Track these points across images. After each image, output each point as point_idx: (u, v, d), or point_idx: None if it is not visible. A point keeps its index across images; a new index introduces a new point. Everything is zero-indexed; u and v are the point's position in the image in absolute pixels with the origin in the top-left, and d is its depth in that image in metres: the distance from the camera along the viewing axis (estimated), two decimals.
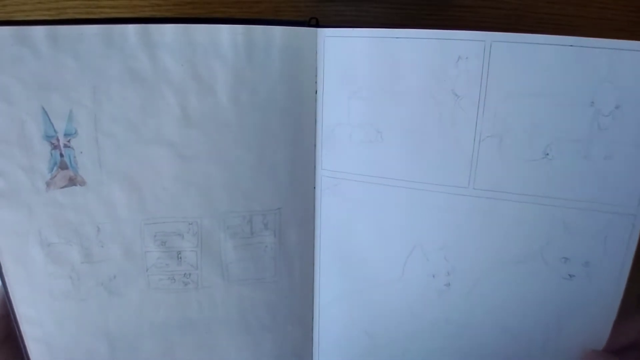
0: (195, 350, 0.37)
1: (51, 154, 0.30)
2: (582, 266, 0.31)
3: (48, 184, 0.30)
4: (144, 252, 0.33)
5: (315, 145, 0.34)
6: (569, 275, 0.31)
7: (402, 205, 0.33)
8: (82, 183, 0.31)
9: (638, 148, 0.28)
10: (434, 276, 0.34)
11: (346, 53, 0.32)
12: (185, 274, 0.35)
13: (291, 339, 0.39)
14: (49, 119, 0.29)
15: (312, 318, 0.38)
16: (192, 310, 0.36)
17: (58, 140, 0.30)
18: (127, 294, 0.34)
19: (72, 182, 0.31)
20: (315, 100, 0.33)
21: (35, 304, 0.32)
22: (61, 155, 0.30)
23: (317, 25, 0.31)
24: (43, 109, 0.29)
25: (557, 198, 0.30)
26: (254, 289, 0.36)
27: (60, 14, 0.27)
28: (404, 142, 0.32)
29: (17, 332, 0.32)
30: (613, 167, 0.29)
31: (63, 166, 0.30)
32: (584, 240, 0.30)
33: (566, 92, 0.28)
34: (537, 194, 0.30)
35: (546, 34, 0.27)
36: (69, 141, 0.30)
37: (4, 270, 0.31)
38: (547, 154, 0.29)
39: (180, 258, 0.34)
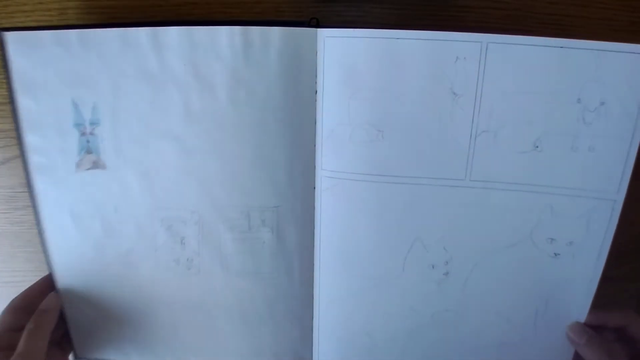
0: (197, 331, 0.39)
1: (80, 140, 0.35)
2: (567, 245, 0.33)
3: (78, 165, 0.35)
4: (154, 234, 0.37)
5: (315, 146, 0.34)
6: (555, 253, 0.34)
7: (403, 201, 0.34)
8: (104, 167, 0.35)
9: (619, 140, 0.31)
10: (433, 267, 0.35)
11: (346, 53, 0.31)
12: (188, 258, 0.37)
13: (290, 337, 0.39)
14: (79, 110, 0.34)
15: (312, 318, 0.38)
16: (194, 293, 0.38)
17: (85, 128, 0.34)
18: (140, 269, 0.38)
19: (95, 165, 0.35)
20: (315, 100, 0.33)
21: (69, 268, 0.38)
22: (87, 141, 0.35)
23: (318, 25, 0.31)
24: (74, 100, 0.34)
25: (545, 186, 0.33)
26: (253, 282, 0.38)
27: (62, 14, 0.31)
28: (404, 140, 0.32)
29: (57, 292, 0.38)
30: (596, 158, 0.32)
31: (89, 151, 0.35)
32: (568, 222, 0.33)
33: (555, 89, 0.30)
34: (528, 183, 0.33)
35: (546, 34, 0.29)
36: (93, 130, 0.34)
37: (44, 237, 0.37)
38: (537, 147, 0.32)
39: (184, 243, 0.37)
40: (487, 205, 0.33)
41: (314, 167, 0.35)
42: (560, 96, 0.30)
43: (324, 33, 0.31)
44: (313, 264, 0.37)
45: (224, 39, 0.31)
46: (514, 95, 0.31)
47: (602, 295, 0.41)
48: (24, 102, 0.34)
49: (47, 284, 0.37)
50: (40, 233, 0.37)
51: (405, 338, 0.37)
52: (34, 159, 0.35)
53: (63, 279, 0.38)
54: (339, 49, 0.31)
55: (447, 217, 0.34)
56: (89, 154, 0.35)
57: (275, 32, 0.31)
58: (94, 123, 0.34)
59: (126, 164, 0.35)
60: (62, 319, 0.38)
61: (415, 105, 0.31)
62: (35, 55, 0.33)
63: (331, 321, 0.38)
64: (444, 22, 0.33)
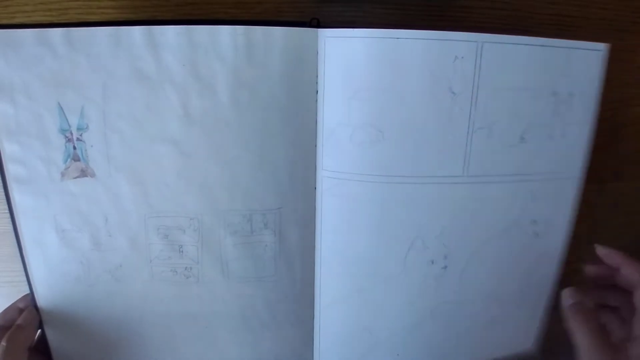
0: (195, 343, 0.38)
1: (65, 147, 0.32)
2: (545, 225, 0.37)
3: (62, 174, 0.33)
4: (147, 244, 0.35)
5: (315, 146, 0.34)
6: (536, 234, 0.37)
7: (403, 200, 0.34)
8: (92, 175, 0.33)
9: (583, 126, 0.35)
10: (432, 262, 0.36)
11: (347, 53, 0.32)
12: (186, 267, 0.36)
13: (291, 338, 0.39)
14: (64, 114, 0.32)
15: (313, 318, 0.38)
16: (192, 303, 0.37)
17: (71, 134, 0.32)
18: (132, 283, 0.36)
19: (83, 173, 0.33)
20: (316, 100, 0.33)
21: (52, 286, 0.35)
22: (74, 148, 0.32)
23: (318, 25, 0.31)
24: (59, 104, 0.31)
25: (528, 174, 0.35)
26: (254, 287, 0.37)
27: (62, 15, 0.30)
28: (404, 140, 0.33)
29: (36, 310, 0.35)
30: (566, 143, 0.35)
31: (76, 158, 0.32)
32: (545, 204, 0.36)
33: (537, 84, 0.33)
34: (515, 173, 0.35)
35: (547, 34, 0.30)
36: (81, 135, 0.32)
37: (24, 253, 0.34)
38: (523, 138, 0.34)
39: (182, 252, 0.35)
40: (481, 198, 0.35)
41: (315, 167, 0.35)
42: (541, 90, 0.33)
43: (324, 33, 0.31)
44: (314, 265, 0.37)
45: (225, 38, 0.31)
46: (505, 92, 0.33)
47: None
48: (0, 107, 0.31)
49: (29, 301, 0.35)
50: (20, 250, 0.34)
51: (405, 332, 0.38)
52: (12, 169, 0.32)
53: (45, 300, 0.35)
54: (340, 49, 0.31)
55: (445, 213, 0.35)
56: (76, 162, 0.33)
57: (277, 32, 0.31)
58: (81, 128, 0.32)
59: (118, 170, 0.33)
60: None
61: (415, 104, 0.32)
62: (14, 55, 0.30)
63: (332, 320, 0.38)
64: (445, 23, 0.34)
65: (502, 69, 0.32)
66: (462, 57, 0.31)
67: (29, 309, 0.35)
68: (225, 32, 0.31)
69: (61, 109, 0.31)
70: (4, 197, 0.32)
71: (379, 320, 0.38)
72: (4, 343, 0.31)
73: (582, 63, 0.33)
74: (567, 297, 0.32)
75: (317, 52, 0.32)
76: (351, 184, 0.34)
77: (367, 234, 0.35)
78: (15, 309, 0.34)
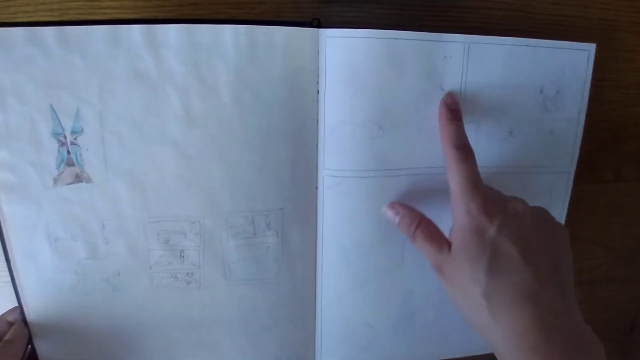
0: (196, 349, 0.37)
1: (59, 151, 0.31)
2: None
3: (56, 180, 0.31)
4: (147, 250, 0.34)
5: (317, 145, 0.34)
6: None
7: (401, 192, 0.36)
8: (88, 180, 0.32)
9: (571, 122, 0.37)
10: None
11: (348, 53, 0.32)
12: (187, 272, 0.35)
13: (293, 339, 0.38)
14: (57, 117, 0.30)
15: (315, 318, 0.38)
16: (194, 309, 0.36)
17: (65, 137, 0.31)
18: (131, 291, 0.34)
19: (78, 178, 0.31)
20: (317, 100, 0.33)
21: (44, 298, 0.33)
22: (68, 152, 0.31)
23: (319, 25, 0.32)
24: (52, 107, 0.30)
25: (518, 166, 0.37)
26: (256, 289, 0.36)
27: (63, 15, 0.29)
28: (402, 135, 0.34)
29: (25, 325, 0.33)
30: (555, 138, 0.37)
31: (70, 163, 0.31)
32: (537, 196, 0.37)
33: (524, 82, 0.35)
34: (505, 165, 0.37)
35: (548, 35, 0.31)
36: (75, 139, 0.31)
37: (12, 265, 0.32)
38: (512, 132, 0.36)
39: (183, 257, 0.34)
40: None
41: (316, 166, 0.35)
42: (528, 87, 0.35)
43: (326, 33, 0.32)
44: (315, 264, 0.37)
45: (228, 38, 0.30)
46: (491, 89, 0.35)
47: (604, 296, 0.47)
48: None
49: (18, 314, 0.34)
50: (8, 262, 0.32)
51: (403, 322, 0.39)
52: (1, 176, 0.30)
53: (36, 313, 0.33)
54: (341, 49, 0.32)
55: (438, 202, 0.36)
56: (70, 167, 0.31)
57: (279, 32, 0.31)
58: (75, 131, 0.31)
59: (115, 174, 0.32)
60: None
61: (410, 101, 0.34)
62: (4, 55, 0.28)
63: (333, 318, 0.38)
64: (445, 23, 0.35)
65: (488, 68, 0.34)
66: (452, 57, 0.33)
67: (18, 322, 0.33)
68: (227, 32, 0.30)
69: (54, 111, 0.30)
70: None
71: (378, 312, 0.39)
72: None
73: (569, 62, 0.35)
74: (392, 215, 0.34)
75: (319, 52, 0.32)
76: (352, 180, 0.35)
77: (368, 228, 0.36)
78: (4, 322, 0.33)
